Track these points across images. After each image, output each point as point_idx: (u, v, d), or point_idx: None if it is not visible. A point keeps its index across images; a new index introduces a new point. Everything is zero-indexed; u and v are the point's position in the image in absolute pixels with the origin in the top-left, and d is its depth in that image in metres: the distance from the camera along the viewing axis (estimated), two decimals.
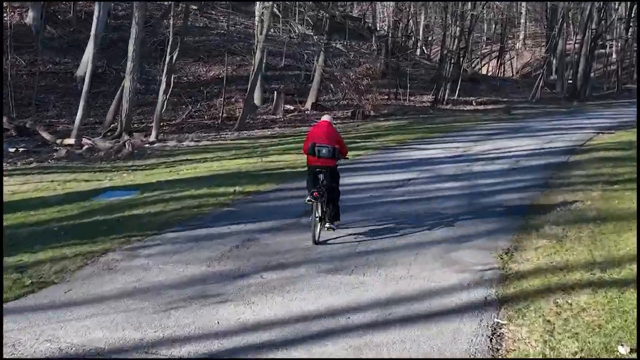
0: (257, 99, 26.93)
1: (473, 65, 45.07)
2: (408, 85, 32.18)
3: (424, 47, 53.78)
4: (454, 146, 17.46)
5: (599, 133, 19.96)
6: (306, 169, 9.02)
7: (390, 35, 35.12)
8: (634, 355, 5.18)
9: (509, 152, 16.20)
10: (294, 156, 14.98)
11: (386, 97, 31.72)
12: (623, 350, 5.22)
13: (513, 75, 50.88)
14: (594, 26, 35.92)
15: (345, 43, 33.34)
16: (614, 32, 41.69)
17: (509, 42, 52.12)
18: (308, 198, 8.37)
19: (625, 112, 28.64)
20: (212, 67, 29.63)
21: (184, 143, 19.84)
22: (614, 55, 44.05)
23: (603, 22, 36.87)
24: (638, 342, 5.35)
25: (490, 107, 32.52)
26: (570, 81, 40.95)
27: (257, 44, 24.83)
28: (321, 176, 8.46)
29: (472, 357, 5.22)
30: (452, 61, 32.98)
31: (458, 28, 33.56)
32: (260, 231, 8.85)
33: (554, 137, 19.00)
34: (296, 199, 10.03)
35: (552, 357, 5.12)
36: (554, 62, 49.70)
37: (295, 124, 24.94)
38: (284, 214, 9.74)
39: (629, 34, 40.99)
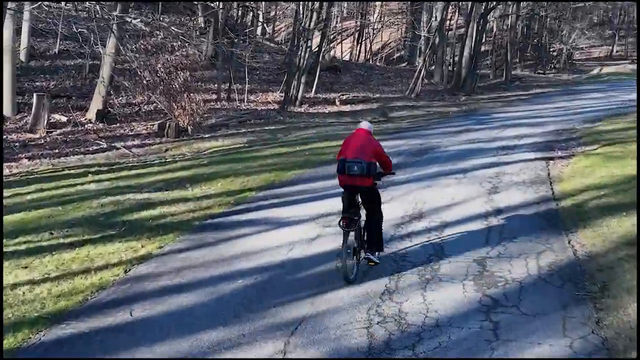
0: (5, 105, 18.48)
1: (331, 49, 39.26)
2: (247, 79, 25.30)
3: (266, 25, 47.25)
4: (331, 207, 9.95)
5: (547, 161, 14.21)
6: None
7: (221, 7, 27.99)
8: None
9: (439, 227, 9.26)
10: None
11: (215, 97, 24.58)
12: None
13: (370, 59, 46.07)
14: None
15: (153, 17, 25.25)
16: (506, 6, 37.48)
17: (368, 18, 47.26)
18: (340, 226, 7.42)
19: (541, 111, 24.03)
20: None
21: None
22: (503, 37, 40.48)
23: None
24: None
25: (359, 107, 26.62)
26: (451, 69, 36.65)
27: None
28: (357, 197, 7.63)
29: None
30: (308, 44, 26.54)
31: None
32: None
33: (491, 177, 12.53)
34: None
35: None
36: (422, 42, 45.64)
37: (64, 148, 16.93)
38: None
39: (522, 9, 36.90)
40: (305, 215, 10.14)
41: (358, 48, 44.69)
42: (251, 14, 35.30)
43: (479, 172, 13.15)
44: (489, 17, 31.90)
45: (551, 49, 51.46)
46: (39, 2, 16.66)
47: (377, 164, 7.63)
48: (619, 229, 8.98)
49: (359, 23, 45.51)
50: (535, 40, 48.80)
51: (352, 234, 7.43)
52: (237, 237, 9.14)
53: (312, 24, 26.21)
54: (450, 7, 33.27)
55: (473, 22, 30.95)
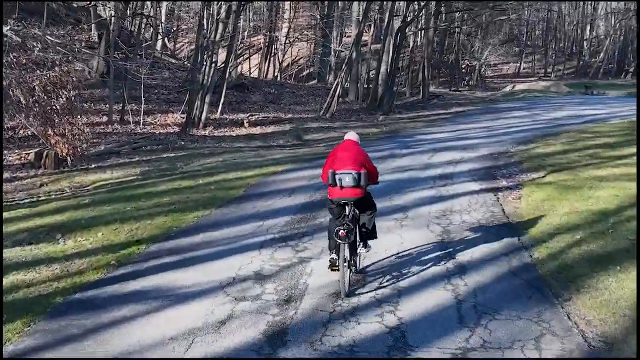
0: None
1: (239, 65, 36.77)
2: (143, 99, 22.44)
3: (167, 40, 44.33)
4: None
5: (494, 193, 12.30)
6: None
7: (114, 18, 25.06)
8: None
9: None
10: None
11: (106, 120, 21.58)
12: None
13: (280, 76, 44.02)
14: (400, 12, 29.93)
15: (24, 25, 21.81)
16: (421, 21, 36.08)
17: (276, 33, 45.14)
18: (332, 258, 7.34)
19: (468, 132, 22.23)
20: None
21: None
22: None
23: (413, 6, 30.87)
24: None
25: (271, 129, 24.34)
26: (366, 86, 35.01)
27: None
28: (347, 209, 7.46)
29: None
30: (213, 59, 23.95)
31: (224, 6, 24.49)
32: None
33: (437, 217, 10.53)
34: None
35: None
36: (333, 59, 44.05)
37: None
38: None
39: (441, 22, 35.68)
40: (211, 282, 7.68)
41: (267, 65, 42.56)
42: (151, 28, 32.35)
43: (422, 210, 11.12)
44: (406, 31, 30.44)
45: (462, 66, 51.14)
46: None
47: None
48: (623, 292, 7.08)
49: (267, 38, 43.40)
50: (447, 57, 48.25)
51: (346, 247, 7.35)
52: (114, 323, 6.56)
53: (218, 36, 23.77)
54: (368, 20, 31.53)
55: (390, 36, 29.38)
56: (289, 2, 45.68)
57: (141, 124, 21.39)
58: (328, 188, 7.61)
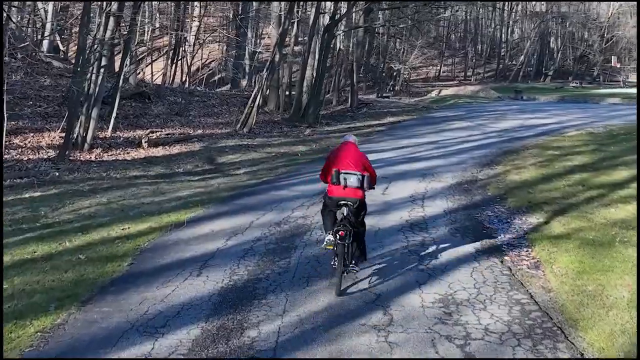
0: None
1: (137, 72, 31.64)
2: (6, 114, 17.16)
3: (58, 38, 38.62)
4: None
5: (498, 257, 8.35)
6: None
7: None
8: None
9: None
10: None
11: None
12: None
13: (188, 81, 39.33)
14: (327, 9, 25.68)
15: None
16: (351, 19, 31.84)
17: (184, 33, 40.20)
18: (328, 238, 7.60)
19: (414, 150, 17.73)
20: None
21: None
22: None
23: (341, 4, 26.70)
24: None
25: (176, 149, 19.70)
26: (288, 93, 30.82)
27: None
28: (345, 210, 7.52)
29: None
30: (102, 62, 19.10)
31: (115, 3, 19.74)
32: None
33: (436, 319, 6.56)
34: None
35: None
36: (248, 61, 39.75)
37: None
38: None
39: (369, 21, 31.61)
40: None
41: (173, 69, 37.59)
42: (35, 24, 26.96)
43: (409, 302, 7.07)
44: (334, 30, 26.47)
45: (387, 70, 47.86)
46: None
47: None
48: None
49: (174, 38, 38.43)
50: (373, 60, 44.79)
51: (344, 247, 7.42)
52: None
53: (109, 33, 19.03)
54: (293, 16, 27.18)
55: (316, 36, 25.35)
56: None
57: (4, 147, 16.41)
58: (328, 186, 7.74)
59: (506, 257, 8.69)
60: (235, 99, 29.71)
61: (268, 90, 27.78)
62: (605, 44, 71.63)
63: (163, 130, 21.10)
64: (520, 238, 9.70)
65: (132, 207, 11.83)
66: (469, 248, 9.08)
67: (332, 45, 27.53)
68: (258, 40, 44.73)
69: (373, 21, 31.99)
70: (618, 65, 67.65)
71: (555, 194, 12.60)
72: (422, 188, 13.40)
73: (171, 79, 35.03)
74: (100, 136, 19.04)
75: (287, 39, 28.15)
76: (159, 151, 18.57)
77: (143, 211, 11.51)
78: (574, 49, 75.31)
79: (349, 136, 8.21)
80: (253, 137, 21.74)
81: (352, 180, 7.49)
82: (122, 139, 19.42)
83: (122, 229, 10.24)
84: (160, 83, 32.08)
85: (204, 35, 44.31)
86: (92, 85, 18.50)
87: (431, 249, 9.05)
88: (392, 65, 46.23)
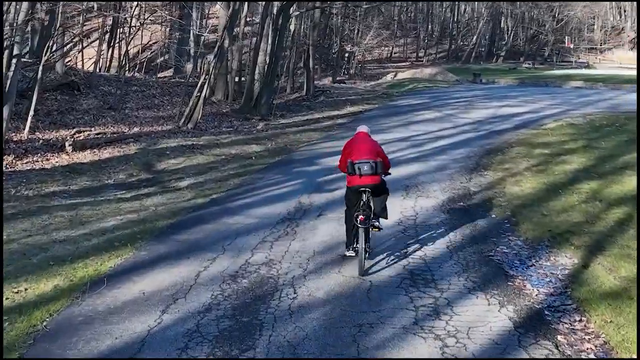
0: None
1: (68, 59, 27.84)
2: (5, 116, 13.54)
3: None
4: None
5: (553, 340, 5.84)
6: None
7: None
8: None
9: None
10: None
11: None
12: None
13: (126, 68, 35.78)
14: None
15: None
16: None
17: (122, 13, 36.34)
18: (349, 254, 8.09)
19: (387, 148, 15.46)
20: None
21: None
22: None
23: None
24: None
25: (106, 153, 16.36)
26: (237, 80, 27.72)
27: None
28: (364, 196, 7.92)
29: None
30: (12, 52, 15.68)
31: None
32: None
33: None
34: None
35: None
36: (193, 45, 36.40)
37: None
38: None
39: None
40: None
41: (110, 54, 33.84)
42: None
43: None
44: (291, 11, 23.45)
45: (341, 52, 45.07)
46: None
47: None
48: None
49: (110, 19, 34.63)
50: (327, 43, 41.91)
51: (363, 231, 7.71)
52: None
53: (22, 15, 15.68)
54: None
55: (270, 17, 22.34)
56: None
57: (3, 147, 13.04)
58: (347, 177, 8.10)
59: (559, 337, 6.13)
60: (179, 88, 26.49)
61: (216, 78, 24.66)
62: (557, 25, 70.46)
63: (93, 128, 17.84)
64: (562, 295, 7.18)
65: (38, 249, 8.81)
66: (503, 320, 6.46)
67: (287, 28, 24.54)
68: (205, 21, 41.27)
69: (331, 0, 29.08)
70: (571, 46, 66.55)
71: (575, 215, 10.17)
72: (410, 208, 10.78)
73: (107, 66, 31.45)
74: (15, 139, 15.76)
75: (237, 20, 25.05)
76: (86, 156, 15.38)
77: (52, 256, 8.52)
78: (525, 29, 74.01)
79: (361, 127, 8.62)
80: (199, 135, 18.71)
81: (366, 168, 7.83)
82: (41, 141, 16.10)
83: (16, 291, 7.28)
84: (92, 70, 28.47)
85: (144, 16, 40.70)
86: (4, 75, 15.19)
87: (451, 325, 6.40)
88: (346, 47, 43.41)
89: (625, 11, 75.88)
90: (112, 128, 18.39)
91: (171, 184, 13.34)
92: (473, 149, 16.62)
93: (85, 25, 32.60)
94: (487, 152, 16.21)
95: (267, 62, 23.57)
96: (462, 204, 11.17)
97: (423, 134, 19.28)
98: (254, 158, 15.99)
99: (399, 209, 10.64)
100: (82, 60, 31.36)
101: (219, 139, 18.55)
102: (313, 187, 12.55)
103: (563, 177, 13.10)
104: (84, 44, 29.63)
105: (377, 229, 8.10)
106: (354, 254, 7.89)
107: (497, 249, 8.75)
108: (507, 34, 73.35)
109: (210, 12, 43.70)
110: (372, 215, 7.88)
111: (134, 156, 15.74)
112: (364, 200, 7.86)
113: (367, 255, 7.83)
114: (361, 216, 7.68)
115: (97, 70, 27.82)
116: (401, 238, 9.18)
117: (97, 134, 17.31)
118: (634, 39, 74.34)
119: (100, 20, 37.25)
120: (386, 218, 8.29)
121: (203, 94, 20.16)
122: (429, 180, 12.94)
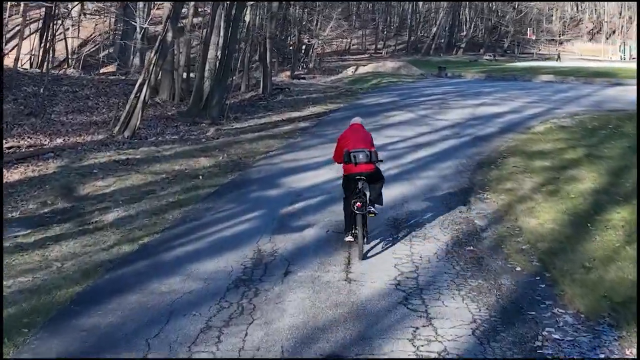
0: None
1: None
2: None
3: None
4: None
5: None
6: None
7: None
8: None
9: None
10: None
11: None
12: None
13: (62, 63, 32.31)
14: None
15: None
16: None
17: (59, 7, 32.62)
18: (348, 239, 8.15)
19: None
20: None
21: None
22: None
23: None
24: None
25: (16, 174, 12.71)
26: (185, 76, 24.56)
27: None
28: (360, 183, 8.16)
29: None
30: None
31: None
32: None
33: None
34: None
35: None
36: (139, 37, 32.99)
37: None
38: None
39: None
40: None
41: (46, 48, 30.25)
42: None
43: None
44: (246, 1, 20.41)
45: (297, 45, 42.16)
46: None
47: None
48: None
49: (46, 11, 30.98)
50: (283, 35, 38.90)
51: (361, 216, 7.98)
52: None
53: None
54: None
55: (222, 7, 19.31)
56: None
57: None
58: (342, 166, 8.37)
59: None
60: (119, 86, 23.27)
61: (160, 76, 21.50)
62: (517, 16, 68.88)
63: (5, 141, 14.65)
64: None
65: None
66: None
67: (242, 19, 21.51)
68: (151, 11, 37.86)
69: None
70: (533, 37, 64.99)
71: (627, 267, 7.59)
72: (406, 259, 8.06)
73: (39, 61, 27.89)
74: None
75: (183, 10, 21.91)
76: None
77: None
78: (485, 20, 72.27)
79: (356, 118, 9.07)
80: (137, 146, 15.64)
81: (361, 157, 8.11)
82: None
83: None
84: (26, 69, 24.86)
85: (87, 8, 37.11)
86: None
87: None
88: (304, 40, 40.51)
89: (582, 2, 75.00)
90: (29, 140, 15.21)
91: (93, 218, 10.33)
92: (462, 161, 14.02)
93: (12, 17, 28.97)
94: (478, 166, 13.63)
95: (219, 57, 20.57)
96: (470, 248, 8.49)
97: (400, 140, 16.60)
98: (201, 178, 13.02)
99: (392, 260, 7.94)
100: (18, 57, 27.61)
101: (161, 150, 15.53)
102: (276, 223, 9.71)
103: (582, 202, 10.56)
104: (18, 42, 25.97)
105: (373, 214, 8.30)
106: (352, 239, 8.02)
107: (544, 332, 6.08)
108: (467, 25, 71.51)
109: (158, 2, 40.28)
110: (367, 202, 8.06)
111: (51, 177, 12.67)
112: (360, 187, 8.09)
113: (365, 240, 8.16)
114: (358, 203, 7.94)
115: (19, 66, 24.28)
116: (400, 314, 6.44)
117: (9, 148, 14.13)
118: (591, 30, 73.33)
119: (37, 12, 33.64)
120: (381, 204, 8.62)
121: (143, 96, 17.06)
122: (421, 210, 10.25)
